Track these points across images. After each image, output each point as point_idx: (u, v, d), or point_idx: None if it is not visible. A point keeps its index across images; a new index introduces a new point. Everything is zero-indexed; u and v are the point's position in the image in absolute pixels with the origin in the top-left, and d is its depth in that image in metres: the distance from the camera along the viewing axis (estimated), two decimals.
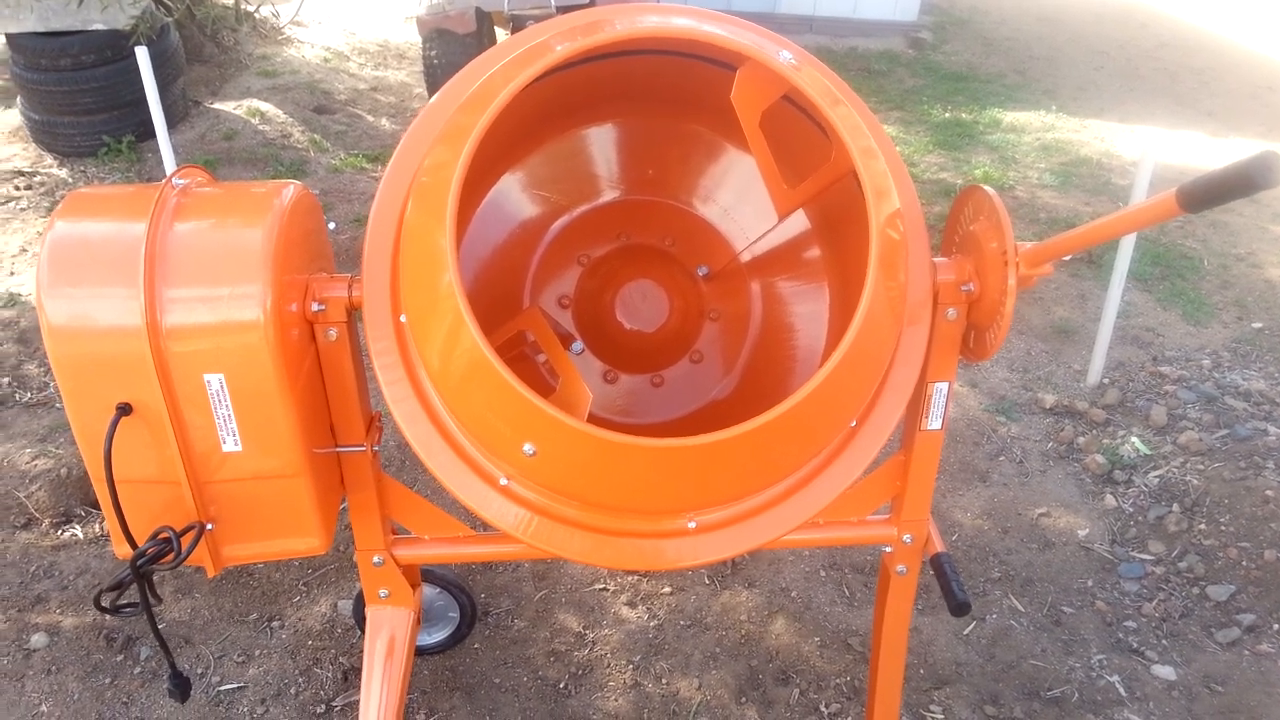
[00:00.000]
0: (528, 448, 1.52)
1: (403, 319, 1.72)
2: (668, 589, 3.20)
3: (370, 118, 6.96)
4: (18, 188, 5.56)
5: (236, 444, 1.67)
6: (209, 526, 1.73)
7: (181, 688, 1.91)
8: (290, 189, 1.73)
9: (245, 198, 1.74)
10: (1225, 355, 4.52)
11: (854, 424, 1.86)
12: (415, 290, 1.62)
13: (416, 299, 1.62)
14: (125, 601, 1.74)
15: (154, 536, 1.67)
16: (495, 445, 1.60)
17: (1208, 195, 1.40)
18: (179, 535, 1.66)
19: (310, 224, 1.81)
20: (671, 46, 1.72)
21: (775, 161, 1.79)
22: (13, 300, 4.56)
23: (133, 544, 1.67)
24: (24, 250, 5.02)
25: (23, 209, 5.40)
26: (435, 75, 6.58)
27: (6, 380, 3.97)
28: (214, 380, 1.61)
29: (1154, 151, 3.71)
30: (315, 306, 1.74)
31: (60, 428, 3.71)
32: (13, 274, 4.81)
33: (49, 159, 5.90)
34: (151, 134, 5.92)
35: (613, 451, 1.46)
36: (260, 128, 6.46)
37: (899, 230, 1.65)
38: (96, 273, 1.58)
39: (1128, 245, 3.92)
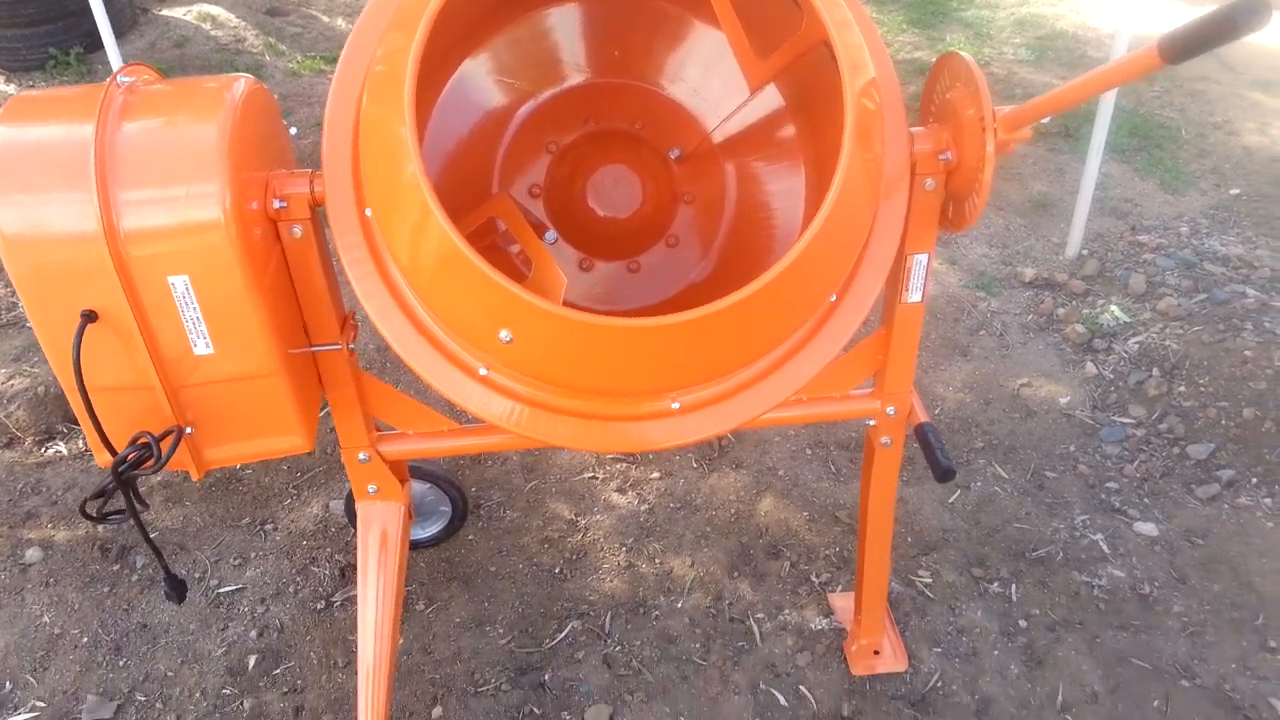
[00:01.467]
0: (504, 335, 1.50)
1: (368, 213, 1.68)
2: (656, 474, 3.23)
3: (325, 18, 6.72)
4: None
5: (208, 346, 1.64)
6: (188, 430, 1.72)
7: (178, 589, 1.93)
8: (241, 82, 1.67)
9: (195, 93, 1.67)
10: (1203, 222, 4.51)
11: (834, 299, 1.85)
12: (378, 183, 1.58)
13: (380, 192, 1.58)
14: (111, 509, 1.74)
15: (133, 442, 1.65)
16: (471, 335, 1.58)
17: (1190, 43, 1.36)
18: (158, 440, 1.65)
19: (265, 119, 1.75)
20: None
21: (744, 33, 1.73)
22: None
23: (112, 451, 1.66)
24: None
25: None
26: None
27: None
28: (178, 283, 1.57)
29: (1130, 22, 3.62)
30: (277, 204, 1.70)
31: (33, 347, 3.67)
32: None
33: None
34: (100, 45, 5.70)
35: (589, 333, 1.45)
36: (212, 33, 6.24)
37: (874, 100, 1.61)
38: (46, 178, 1.53)
39: (1105, 116, 3.86)
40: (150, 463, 1.65)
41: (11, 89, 5.61)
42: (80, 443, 3.31)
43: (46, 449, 3.30)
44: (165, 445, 1.66)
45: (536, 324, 1.47)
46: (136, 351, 1.61)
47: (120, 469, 1.64)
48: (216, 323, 1.62)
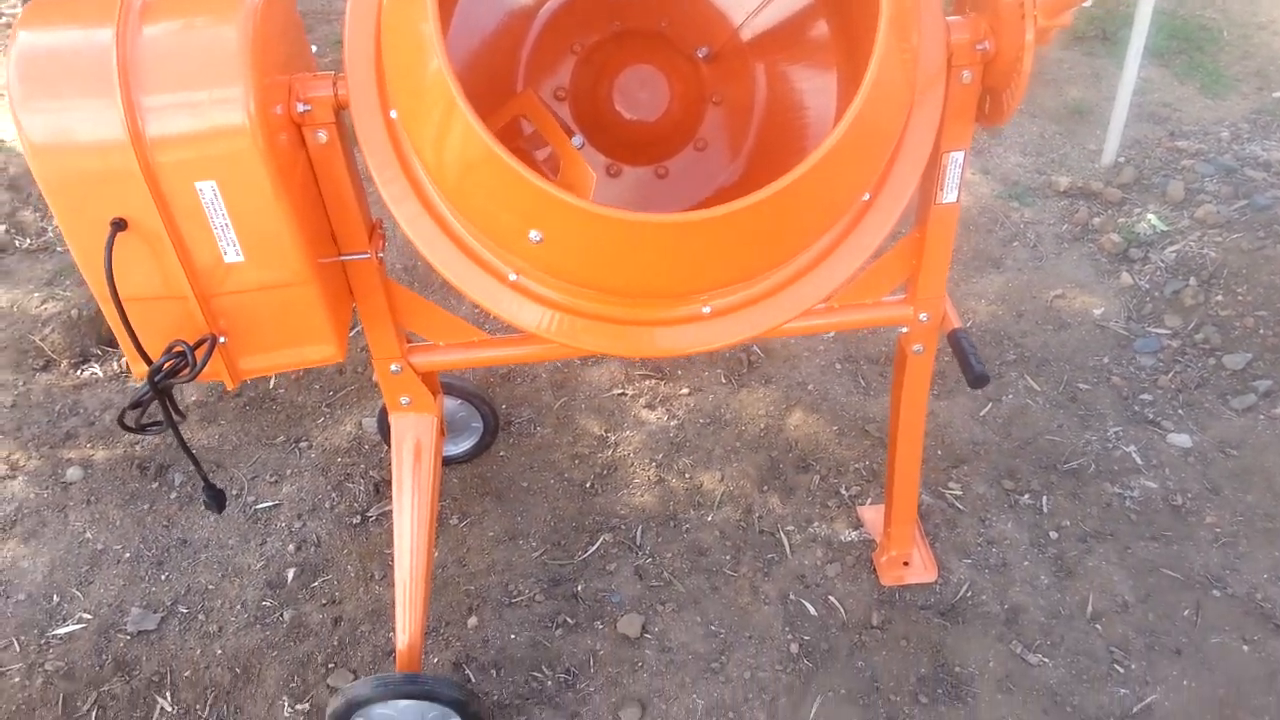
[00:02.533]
0: (534, 235, 1.48)
1: (393, 114, 1.66)
2: (685, 390, 3.23)
3: None
4: None
5: (238, 254, 1.63)
6: (221, 339, 1.72)
7: (216, 499, 1.95)
8: None
9: None
10: (1244, 127, 4.38)
11: (867, 197, 1.81)
12: (403, 82, 1.55)
13: (405, 92, 1.55)
14: (149, 420, 1.75)
15: (168, 351, 1.66)
16: (501, 236, 1.56)
17: None
18: (193, 348, 1.66)
19: (286, 19, 1.71)
20: None
21: None
22: None
23: (148, 361, 1.67)
24: (0, 95, 4.86)
25: None
26: None
27: (3, 228, 3.92)
28: (206, 188, 1.56)
29: None
30: (300, 107, 1.67)
31: (65, 271, 3.69)
32: None
33: None
34: None
35: (621, 230, 1.42)
36: None
37: None
38: (70, 84, 1.51)
39: (1144, 17, 3.73)
40: (185, 371, 1.65)
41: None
42: (115, 364, 3.34)
43: (82, 371, 3.33)
44: (200, 353, 1.66)
45: (567, 222, 1.44)
46: (167, 260, 1.61)
47: (156, 378, 1.65)
48: (245, 230, 1.61)
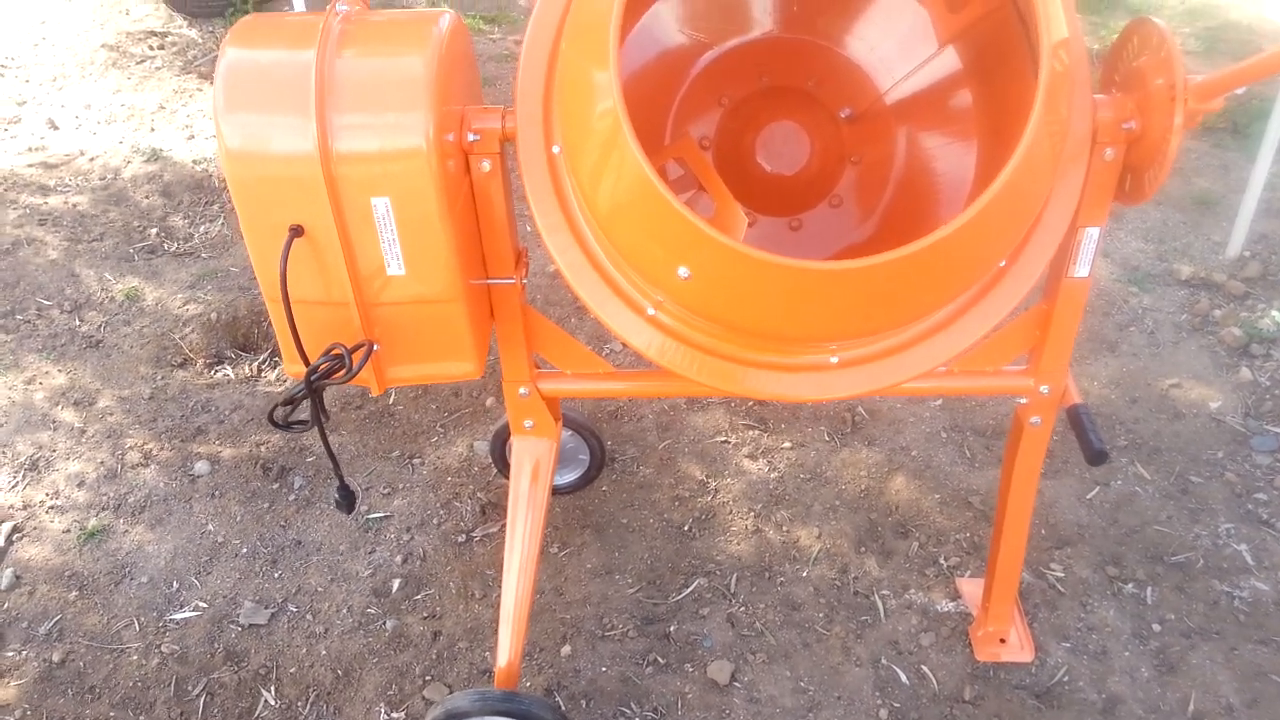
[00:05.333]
0: (683, 271, 1.55)
1: (555, 150, 1.75)
2: (788, 444, 3.26)
3: None
4: (152, 48, 5.72)
5: (400, 268, 1.74)
6: (375, 347, 1.83)
7: (348, 499, 2.04)
8: (447, 17, 1.76)
9: (405, 26, 1.77)
10: None
11: (1002, 264, 1.84)
12: (572, 121, 1.64)
13: (573, 129, 1.64)
14: (296, 418, 1.86)
15: (327, 353, 1.76)
16: (649, 270, 1.64)
17: None
18: (350, 352, 1.76)
19: (465, 54, 1.84)
20: None
21: None
22: (155, 155, 4.75)
23: (306, 361, 1.78)
24: (162, 107, 5.19)
25: (158, 68, 5.57)
26: None
27: (155, 231, 4.18)
28: (380, 204, 1.67)
29: None
30: (470, 137, 1.78)
31: (207, 276, 3.91)
32: (153, 130, 5.00)
33: (179, 19, 6.04)
34: None
35: (769, 273, 1.48)
36: None
37: (1064, 62, 1.59)
38: (269, 99, 1.64)
39: (1279, 111, 3.68)
40: (341, 373, 1.75)
41: (194, 34, 5.94)
42: (246, 368, 3.52)
43: (215, 372, 3.51)
44: (357, 357, 1.76)
45: (718, 260, 1.51)
46: (336, 267, 1.72)
47: (313, 377, 1.75)
48: (410, 245, 1.72)
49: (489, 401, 3.38)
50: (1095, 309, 3.86)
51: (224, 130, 1.65)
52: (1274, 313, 3.74)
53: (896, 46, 2.05)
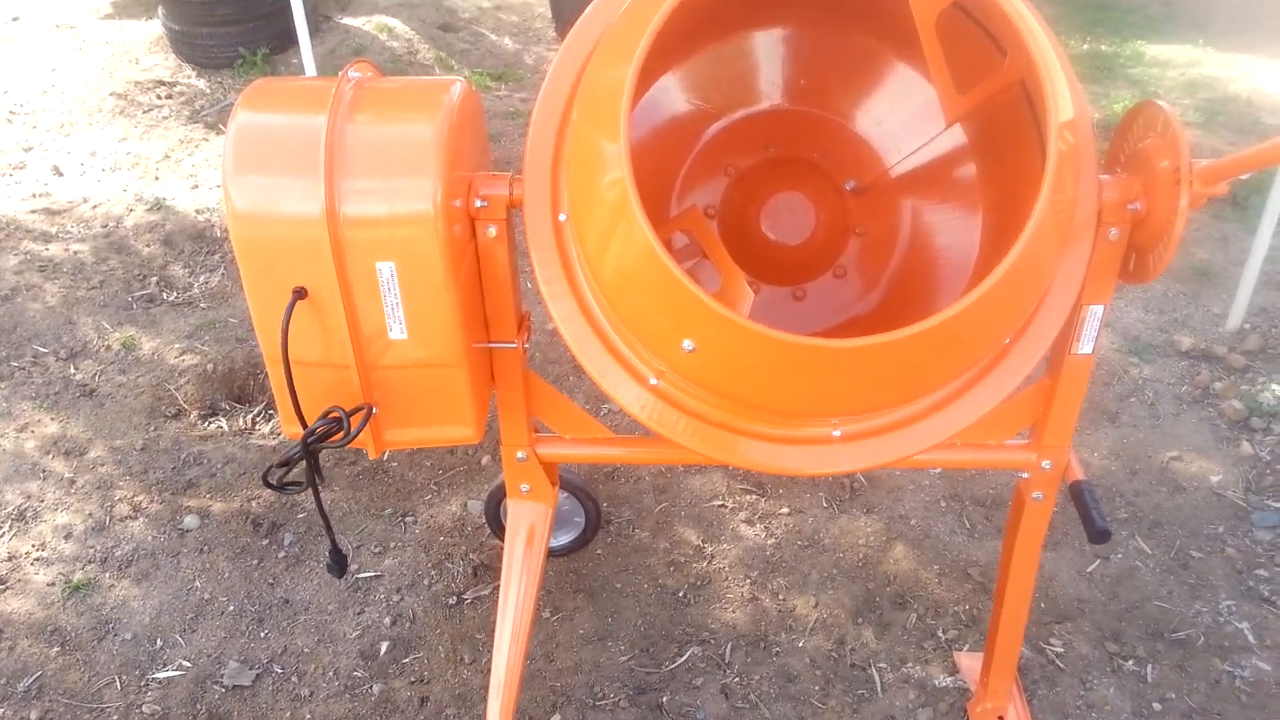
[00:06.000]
0: (687, 344, 1.54)
1: (562, 218, 1.75)
2: (785, 509, 3.23)
3: (494, 36, 6.99)
4: (159, 97, 5.76)
5: (402, 332, 1.73)
6: (374, 410, 1.81)
7: (340, 563, 2.01)
8: (458, 85, 1.77)
9: (416, 93, 1.77)
10: None
11: (1007, 341, 1.83)
12: (581, 190, 1.65)
13: (582, 199, 1.65)
14: (291, 480, 1.83)
15: (325, 415, 1.75)
16: (653, 341, 1.63)
17: None
18: (348, 415, 1.74)
19: (475, 121, 1.85)
20: None
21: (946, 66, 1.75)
22: (158, 204, 4.76)
23: (304, 423, 1.76)
24: (167, 156, 5.22)
25: (165, 117, 5.60)
26: None
27: (155, 280, 4.17)
28: (385, 268, 1.66)
29: None
30: (478, 203, 1.78)
31: (205, 327, 3.89)
32: (157, 179, 5.02)
33: (188, 69, 6.08)
34: (284, 48, 6.10)
35: (774, 349, 1.47)
36: (388, 43, 6.54)
37: (1070, 142, 1.60)
38: (279, 162, 1.64)
39: (1279, 185, 3.72)
40: (339, 436, 1.73)
41: (202, 84, 5.98)
42: (241, 420, 3.49)
43: (209, 423, 3.49)
44: (355, 421, 1.74)
45: (723, 335, 1.50)
46: (338, 330, 1.71)
47: (310, 439, 1.73)
48: (413, 310, 1.71)
49: (485, 460, 3.35)
50: (1097, 379, 3.85)
51: (232, 191, 1.64)
52: (1274, 386, 3.73)
53: (903, 123, 2.06)
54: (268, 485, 1.82)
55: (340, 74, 1.73)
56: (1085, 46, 7.15)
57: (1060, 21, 7.56)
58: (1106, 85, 6.50)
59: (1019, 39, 1.54)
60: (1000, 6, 1.52)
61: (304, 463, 1.79)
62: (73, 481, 3.25)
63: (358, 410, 1.76)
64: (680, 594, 2.94)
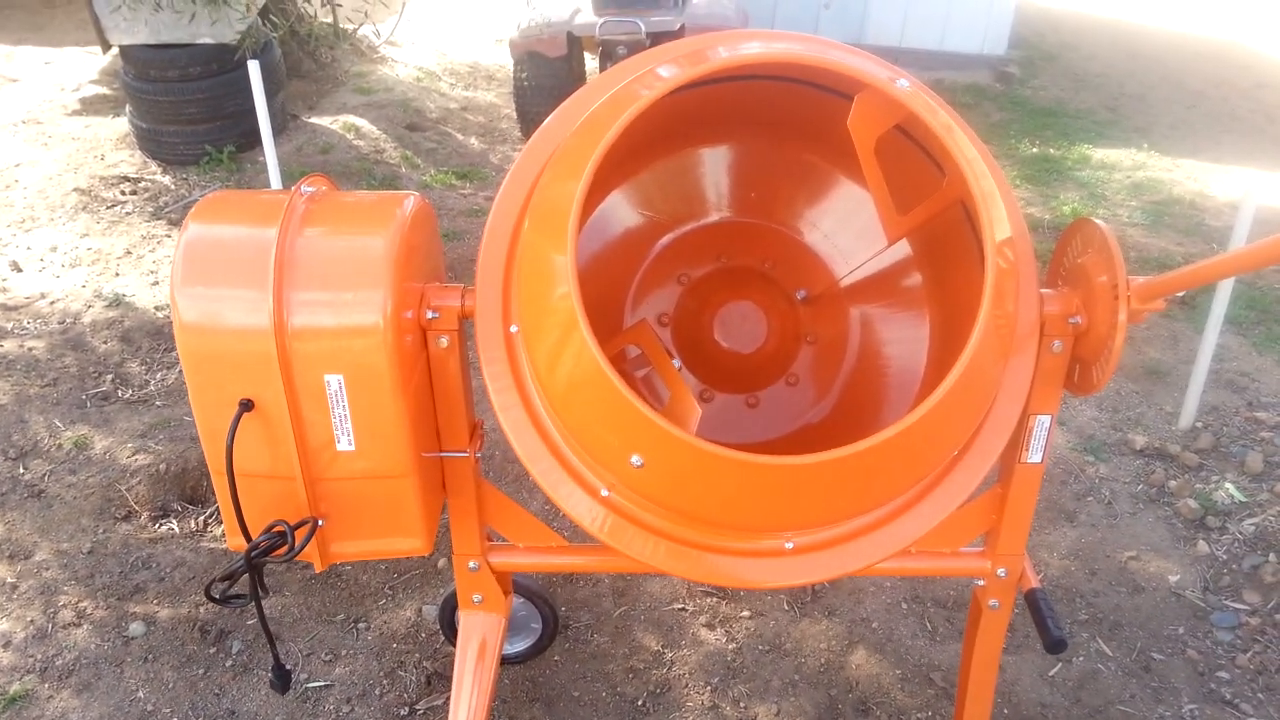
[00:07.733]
0: (635, 459, 1.54)
1: (513, 329, 1.76)
2: (746, 612, 3.19)
3: (460, 136, 7.11)
4: (124, 193, 5.78)
5: (350, 443, 1.72)
6: (320, 523, 1.78)
7: (283, 679, 1.96)
8: (411, 200, 1.79)
9: (369, 207, 1.80)
10: None
11: (954, 453, 1.85)
12: (530, 302, 1.66)
13: (531, 311, 1.66)
14: (235, 592, 1.79)
15: (268, 529, 1.72)
16: (603, 456, 1.62)
17: None
18: (293, 529, 1.71)
19: (427, 234, 1.86)
20: (792, 73, 1.74)
21: (887, 188, 1.79)
22: (117, 300, 4.73)
23: (247, 536, 1.73)
24: (129, 253, 5.21)
25: (128, 213, 5.61)
26: (525, 97, 6.71)
27: (110, 378, 4.12)
28: (333, 380, 1.66)
29: (1256, 192, 3.61)
30: (430, 314, 1.79)
31: (159, 425, 3.84)
32: (117, 275, 5.00)
33: (154, 166, 6.12)
34: (250, 145, 6.16)
35: (723, 466, 1.47)
36: (355, 143, 6.63)
37: (1009, 259, 1.64)
38: (228, 274, 1.65)
39: (1226, 287, 3.82)
40: (283, 550, 1.70)
41: (168, 180, 6.01)
42: (192, 522, 3.42)
43: (160, 525, 3.41)
44: (300, 535, 1.72)
45: (670, 452, 1.50)
46: (284, 442, 1.69)
47: (254, 554, 1.70)
48: (361, 422, 1.70)
49: (441, 563, 3.29)
50: (1053, 478, 3.88)
51: (179, 303, 1.64)
52: (1228, 485, 3.78)
53: (852, 236, 2.11)
54: (210, 598, 1.78)
55: (294, 188, 1.75)
56: (1035, 150, 7.39)
57: (1010, 126, 7.86)
58: (1055, 187, 6.70)
59: (954, 166, 1.59)
60: (935, 131, 1.57)
61: (247, 576, 1.75)
62: (15, 586, 3.16)
63: (303, 524, 1.74)
64: (639, 703, 2.88)
